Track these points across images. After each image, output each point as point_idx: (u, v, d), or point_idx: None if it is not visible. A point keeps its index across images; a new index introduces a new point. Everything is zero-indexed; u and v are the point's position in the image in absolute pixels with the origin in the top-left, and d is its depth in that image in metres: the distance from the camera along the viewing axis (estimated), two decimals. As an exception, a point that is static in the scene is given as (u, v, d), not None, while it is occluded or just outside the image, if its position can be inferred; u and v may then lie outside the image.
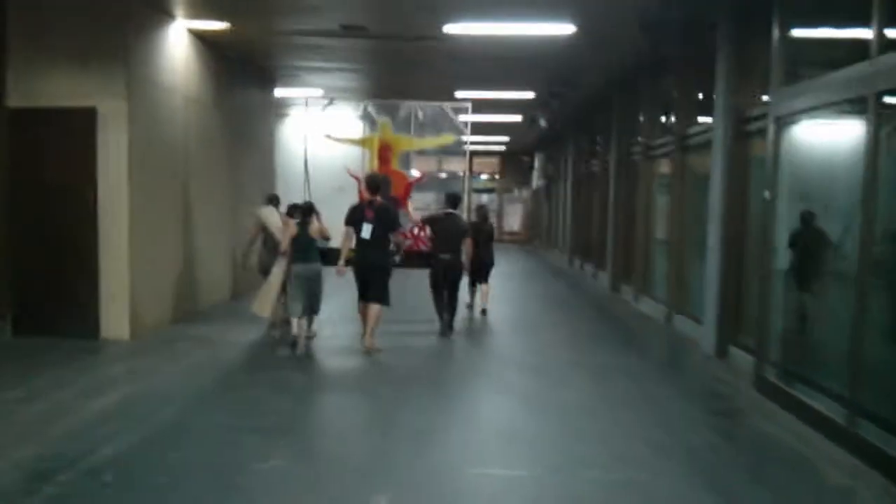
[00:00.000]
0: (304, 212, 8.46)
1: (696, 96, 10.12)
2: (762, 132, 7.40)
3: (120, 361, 7.75)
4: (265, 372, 7.47)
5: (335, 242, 8.73)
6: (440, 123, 10.89)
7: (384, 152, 10.57)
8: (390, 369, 7.82)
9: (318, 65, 12.73)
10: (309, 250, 8.33)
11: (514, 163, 32.07)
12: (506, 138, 25.50)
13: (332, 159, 14.56)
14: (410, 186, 10.58)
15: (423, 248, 10.01)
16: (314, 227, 8.37)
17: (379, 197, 8.36)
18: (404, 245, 9.14)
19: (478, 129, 21.48)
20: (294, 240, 8.33)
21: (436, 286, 9.40)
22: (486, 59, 11.80)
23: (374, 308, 8.22)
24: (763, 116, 7.37)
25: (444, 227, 9.40)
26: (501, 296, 13.49)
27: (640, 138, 12.73)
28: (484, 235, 10.76)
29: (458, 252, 9.28)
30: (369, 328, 8.23)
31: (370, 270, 8.22)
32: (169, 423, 5.71)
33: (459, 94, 14.89)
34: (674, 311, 10.36)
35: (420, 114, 10.69)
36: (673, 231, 10.51)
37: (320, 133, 10.88)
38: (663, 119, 11.89)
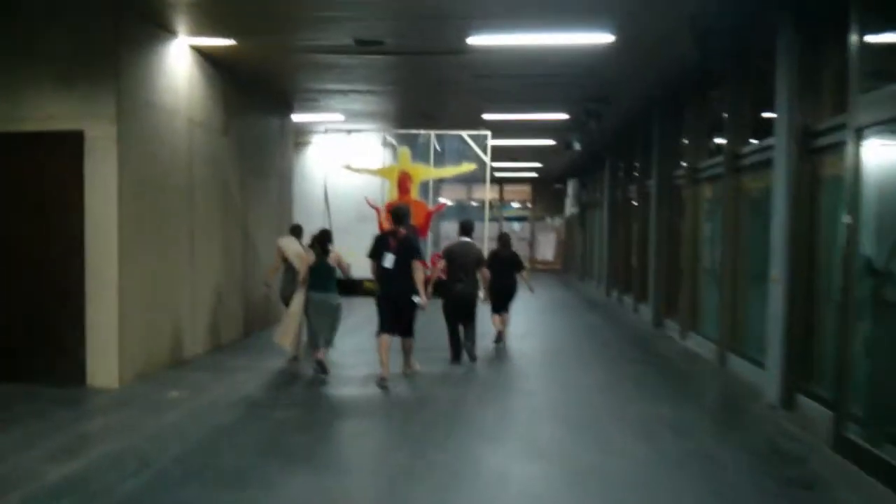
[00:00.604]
0: (321, 241, 8.38)
1: (751, 112, 9.10)
2: (835, 147, 6.39)
3: (100, 415, 6.88)
4: (256, 429, 6.52)
5: (359, 273, 8.80)
6: (461, 152, 10.48)
7: (404, 182, 10.35)
8: (402, 422, 6.85)
9: (336, 87, 11.94)
10: (327, 280, 8.30)
11: (546, 190, 31.08)
12: (538, 164, 24.58)
13: (354, 189, 13.86)
14: (430, 216, 10.18)
15: (443, 277, 9.53)
16: (333, 255, 8.34)
17: (402, 228, 8.24)
18: (427, 275, 8.58)
19: (508, 154, 20.67)
20: (312, 269, 8.31)
21: (449, 316, 9.25)
22: (515, 77, 10.93)
23: (408, 342, 8.43)
24: (836, 129, 6.35)
25: (457, 255, 9.16)
26: (533, 330, 12.58)
27: (684, 161, 11.70)
28: (505, 263, 10.25)
29: (472, 280, 9.13)
30: (407, 359, 8.49)
31: (396, 303, 8.13)
32: (130, 499, 4.78)
33: (487, 116, 14.07)
34: (727, 350, 9.25)
35: (436, 144, 10.25)
36: (725, 261, 9.43)
37: (340, 162, 10.55)
38: (711, 139, 10.86)
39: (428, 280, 8.51)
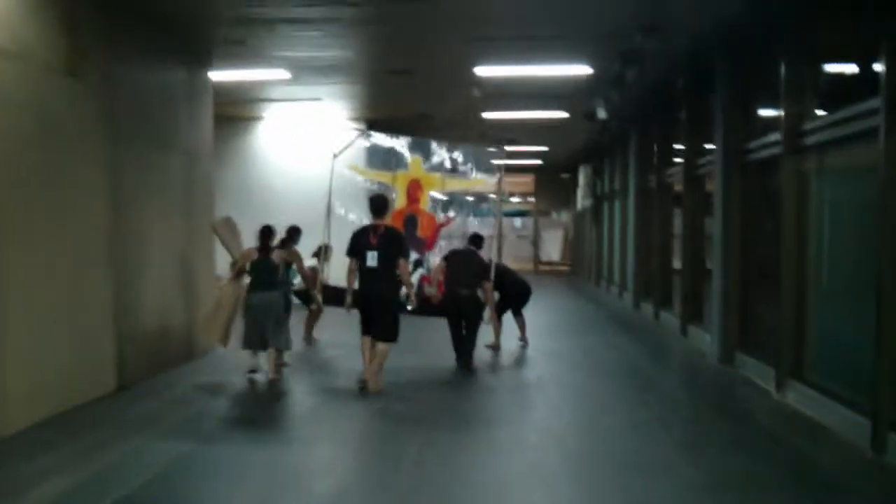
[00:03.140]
0: (263, 235, 7.86)
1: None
2: None
3: None
4: None
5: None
6: (475, 164, 9.77)
7: (413, 190, 9.65)
8: None
9: (262, 11, 8.09)
10: (267, 278, 7.80)
11: (551, 180, 27.28)
12: (542, 148, 20.67)
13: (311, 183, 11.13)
14: (440, 228, 9.60)
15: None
16: (276, 254, 7.94)
17: (383, 221, 7.64)
18: (412, 286, 8.08)
19: (507, 133, 16.90)
20: (253, 265, 7.84)
21: (452, 323, 8.93)
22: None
23: (380, 347, 7.51)
24: None
25: (457, 260, 8.96)
26: (548, 371, 9.01)
27: (771, 122, 7.91)
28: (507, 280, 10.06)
29: (473, 287, 8.87)
30: (373, 368, 7.49)
31: (376, 303, 7.47)
32: None
33: (481, 71, 10.39)
34: (887, 426, 5.47)
35: (458, 156, 9.75)
36: (881, 270, 5.62)
37: (338, 160, 9.28)
38: (827, 79, 7.09)
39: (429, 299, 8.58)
